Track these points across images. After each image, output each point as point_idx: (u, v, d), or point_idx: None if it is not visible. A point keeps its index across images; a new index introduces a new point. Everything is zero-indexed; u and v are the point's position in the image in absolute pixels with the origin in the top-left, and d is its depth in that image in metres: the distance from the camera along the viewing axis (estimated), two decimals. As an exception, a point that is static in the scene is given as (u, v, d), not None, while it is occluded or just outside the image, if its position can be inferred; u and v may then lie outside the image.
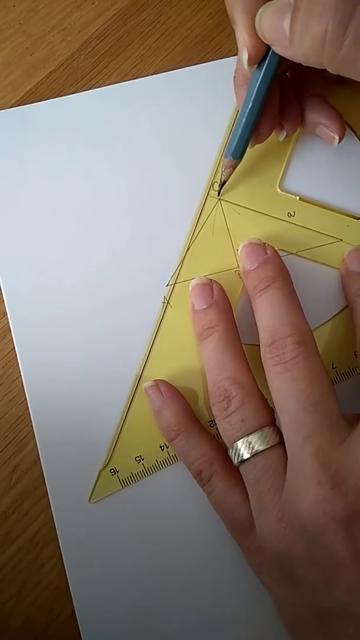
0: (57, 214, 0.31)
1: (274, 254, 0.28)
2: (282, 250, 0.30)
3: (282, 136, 0.30)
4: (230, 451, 0.26)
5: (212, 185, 0.31)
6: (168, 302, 0.30)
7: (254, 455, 0.25)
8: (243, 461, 0.25)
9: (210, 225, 0.31)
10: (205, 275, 0.29)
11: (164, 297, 0.30)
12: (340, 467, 0.23)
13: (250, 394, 0.26)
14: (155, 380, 0.29)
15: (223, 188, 0.30)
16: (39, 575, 0.28)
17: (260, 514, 0.25)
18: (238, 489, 0.26)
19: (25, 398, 0.29)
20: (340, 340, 0.29)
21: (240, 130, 0.28)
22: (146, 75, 0.33)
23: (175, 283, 0.30)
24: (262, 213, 0.31)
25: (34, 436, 0.29)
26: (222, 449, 0.27)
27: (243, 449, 0.25)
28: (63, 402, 0.29)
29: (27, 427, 0.29)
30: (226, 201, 0.31)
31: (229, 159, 0.29)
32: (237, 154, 0.28)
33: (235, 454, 0.26)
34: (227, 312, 0.28)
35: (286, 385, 0.25)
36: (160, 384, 0.29)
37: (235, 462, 0.26)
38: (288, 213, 0.30)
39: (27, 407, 0.29)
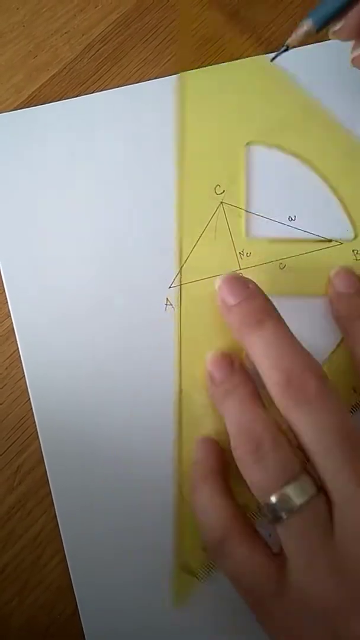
0: (60, 217, 0.31)
1: (257, 287, 0.27)
2: (281, 259, 0.30)
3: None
4: (265, 506, 0.23)
5: (215, 187, 0.31)
6: (170, 304, 0.30)
7: (300, 506, 0.23)
8: (283, 516, 0.23)
9: (212, 227, 0.31)
10: (205, 277, 0.29)
11: (167, 298, 0.30)
12: None
13: (280, 440, 0.24)
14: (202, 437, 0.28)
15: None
16: (42, 574, 0.28)
17: (308, 572, 0.22)
18: (260, 550, 0.24)
19: (29, 398, 0.29)
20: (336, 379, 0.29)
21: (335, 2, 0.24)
22: (150, 79, 0.33)
23: (178, 285, 0.30)
24: (263, 216, 0.31)
25: (38, 437, 0.29)
26: (235, 508, 0.25)
27: (284, 500, 0.23)
28: (66, 402, 0.29)
29: (31, 428, 0.29)
30: (228, 204, 0.31)
31: (309, 23, 0.25)
32: (320, 22, 0.25)
33: (272, 509, 0.23)
34: (248, 376, 0.27)
35: (317, 423, 0.23)
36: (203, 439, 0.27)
37: (272, 517, 0.23)
38: (289, 217, 0.31)
39: (31, 408, 0.29)
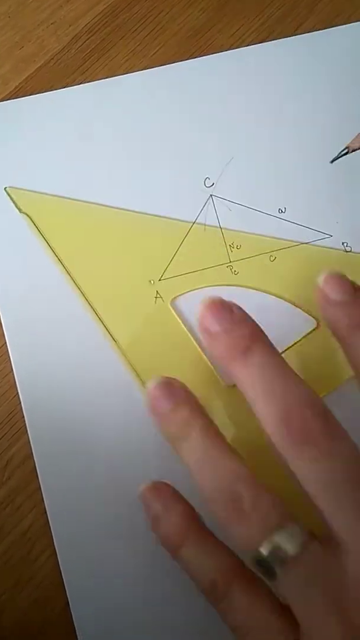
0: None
1: (242, 311, 0.24)
2: (271, 251, 0.30)
3: None
4: (256, 563, 0.21)
5: (204, 180, 0.31)
6: (160, 297, 0.30)
7: (292, 557, 0.20)
8: (278, 568, 0.20)
9: (202, 219, 0.31)
10: (196, 270, 0.29)
11: (157, 291, 0.30)
12: None
13: (259, 488, 0.22)
14: (153, 482, 0.25)
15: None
16: (32, 569, 0.28)
17: (321, 628, 0.20)
18: (267, 600, 0.21)
19: (17, 393, 0.29)
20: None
21: None
22: (138, 70, 0.33)
23: (167, 278, 0.30)
24: (253, 209, 0.31)
25: (26, 431, 0.29)
26: (238, 557, 0.23)
27: (275, 552, 0.21)
28: (55, 396, 0.29)
29: (20, 422, 0.29)
30: (217, 197, 0.31)
31: None
32: None
33: (266, 562, 0.21)
34: (199, 405, 0.24)
35: (328, 469, 0.21)
36: (159, 485, 0.24)
37: (267, 572, 0.21)
38: (279, 209, 0.31)
39: (19, 402, 0.29)
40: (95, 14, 0.35)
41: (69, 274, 0.30)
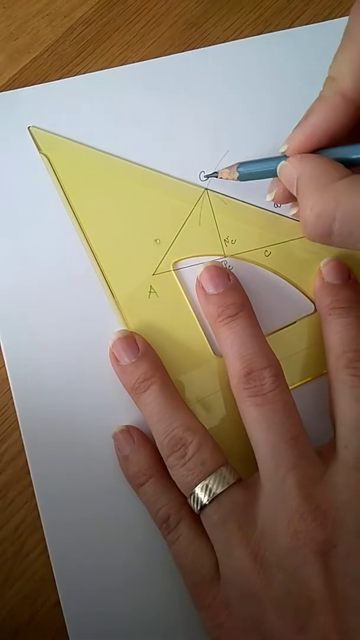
0: (41, 204, 0.31)
1: (237, 280, 0.29)
2: (266, 246, 0.30)
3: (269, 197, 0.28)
4: (191, 498, 0.25)
5: (199, 174, 0.31)
6: (154, 291, 0.30)
7: (217, 496, 0.25)
8: (206, 505, 0.25)
9: (197, 214, 0.30)
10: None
11: (150, 286, 0.30)
12: (321, 502, 0.24)
13: (204, 437, 0.26)
14: (126, 426, 0.28)
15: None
16: (24, 565, 0.28)
17: (230, 557, 0.24)
18: (204, 538, 0.25)
19: (9, 388, 0.29)
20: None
21: (262, 170, 0.27)
22: (133, 62, 0.33)
23: (163, 272, 0.30)
24: (248, 203, 0.30)
25: (18, 426, 0.29)
26: (183, 498, 0.26)
27: (205, 491, 0.25)
28: (47, 391, 0.29)
29: (12, 417, 0.29)
30: (213, 191, 0.31)
31: (235, 172, 0.28)
32: (244, 178, 0.28)
33: (196, 500, 0.25)
34: (158, 361, 0.28)
35: (266, 418, 0.25)
36: (131, 429, 0.28)
37: (198, 507, 0.25)
38: (275, 204, 0.30)
39: (11, 397, 0.29)
40: (90, 5, 0.35)
41: (78, 221, 0.30)
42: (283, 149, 0.25)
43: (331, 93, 0.23)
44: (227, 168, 0.29)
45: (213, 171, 0.30)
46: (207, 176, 0.30)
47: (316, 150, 0.24)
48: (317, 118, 0.24)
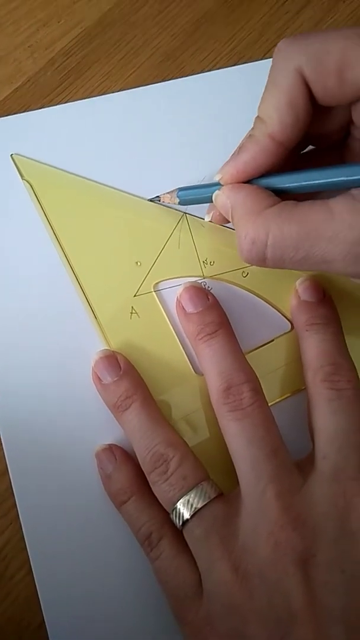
0: (24, 228, 0.31)
1: (215, 300, 0.30)
2: (243, 267, 0.31)
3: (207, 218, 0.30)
4: (173, 514, 0.26)
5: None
6: (136, 312, 0.30)
7: (198, 510, 0.25)
8: (188, 520, 0.25)
9: (176, 237, 0.31)
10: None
11: (132, 307, 0.30)
12: (300, 512, 0.24)
13: (185, 453, 0.27)
14: (109, 444, 0.29)
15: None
16: (8, 587, 0.28)
17: (212, 571, 0.24)
18: (186, 554, 0.26)
19: (-7, 409, 0.29)
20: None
21: (200, 196, 0.28)
22: (112, 92, 0.34)
23: (143, 294, 0.31)
24: (225, 226, 0.31)
25: (2, 447, 0.29)
26: (165, 514, 0.27)
27: (187, 506, 0.25)
28: (30, 411, 0.29)
29: (-5, 438, 0.29)
30: (191, 215, 0.32)
31: (176, 197, 0.29)
32: (184, 202, 0.29)
33: (179, 515, 0.25)
34: (139, 380, 0.29)
35: (246, 432, 0.26)
36: (113, 447, 0.28)
37: (180, 523, 0.25)
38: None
39: (-5, 419, 0.29)
40: (70, 38, 0.36)
41: (60, 245, 0.31)
42: (217, 178, 0.26)
43: (260, 134, 0.24)
44: (168, 193, 0.30)
45: (155, 195, 0.31)
46: (151, 200, 0.31)
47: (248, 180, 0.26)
48: (248, 156, 0.25)
